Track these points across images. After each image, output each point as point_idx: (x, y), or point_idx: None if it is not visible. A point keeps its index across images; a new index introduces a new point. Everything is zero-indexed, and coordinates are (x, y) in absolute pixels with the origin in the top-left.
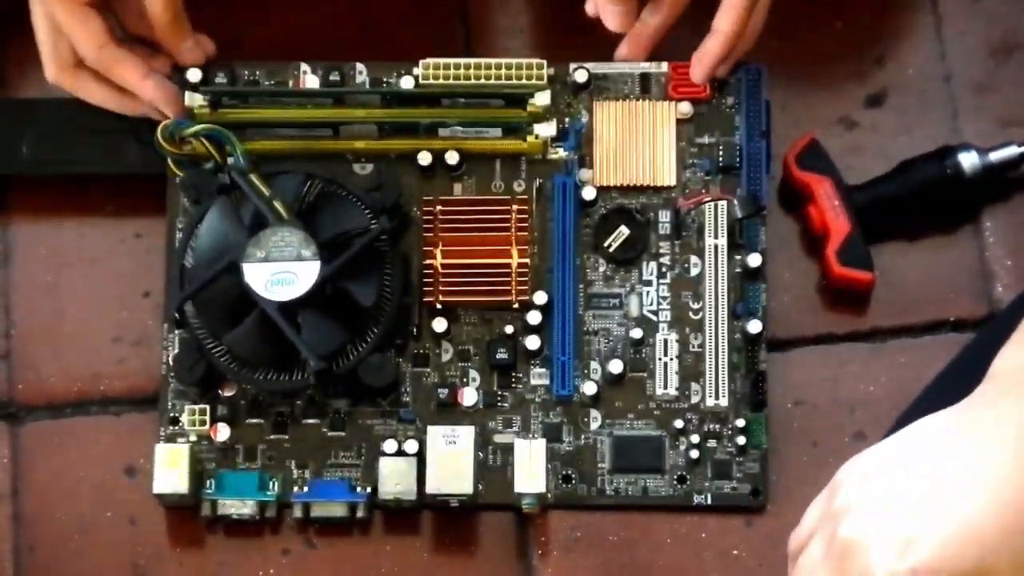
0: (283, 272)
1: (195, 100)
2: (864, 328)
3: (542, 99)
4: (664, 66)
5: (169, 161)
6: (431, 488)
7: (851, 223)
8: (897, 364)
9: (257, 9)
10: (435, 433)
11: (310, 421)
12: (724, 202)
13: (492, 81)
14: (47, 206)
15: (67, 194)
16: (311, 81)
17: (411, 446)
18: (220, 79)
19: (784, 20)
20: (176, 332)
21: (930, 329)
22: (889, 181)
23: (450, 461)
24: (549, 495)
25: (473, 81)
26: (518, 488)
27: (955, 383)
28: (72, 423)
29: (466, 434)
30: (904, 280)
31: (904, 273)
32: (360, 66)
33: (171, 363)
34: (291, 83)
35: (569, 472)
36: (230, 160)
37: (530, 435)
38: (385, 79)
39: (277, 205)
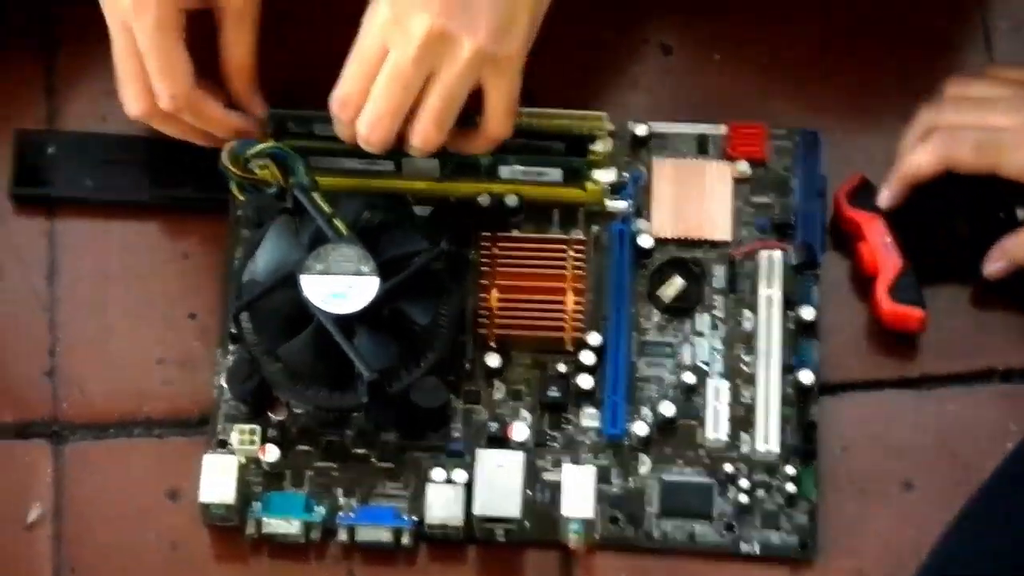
0: (341, 286)
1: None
2: (914, 374)
3: (603, 146)
4: (722, 128)
5: (232, 184)
6: (478, 510)
7: (902, 260)
8: (946, 412)
9: (323, 54)
10: (484, 456)
11: (359, 451)
12: (779, 253)
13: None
14: (94, 223)
15: (115, 212)
16: None
17: (459, 475)
18: (292, 126)
19: (837, 58)
20: (230, 348)
21: (980, 378)
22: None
23: (499, 484)
24: (596, 534)
25: (535, 128)
26: (565, 512)
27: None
28: (115, 444)
29: (515, 459)
30: (955, 326)
31: (955, 319)
32: None
33: (224, 377)
34: None
35: (616, 514)
36: (292, 180)
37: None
38: None
39: (338, 223)
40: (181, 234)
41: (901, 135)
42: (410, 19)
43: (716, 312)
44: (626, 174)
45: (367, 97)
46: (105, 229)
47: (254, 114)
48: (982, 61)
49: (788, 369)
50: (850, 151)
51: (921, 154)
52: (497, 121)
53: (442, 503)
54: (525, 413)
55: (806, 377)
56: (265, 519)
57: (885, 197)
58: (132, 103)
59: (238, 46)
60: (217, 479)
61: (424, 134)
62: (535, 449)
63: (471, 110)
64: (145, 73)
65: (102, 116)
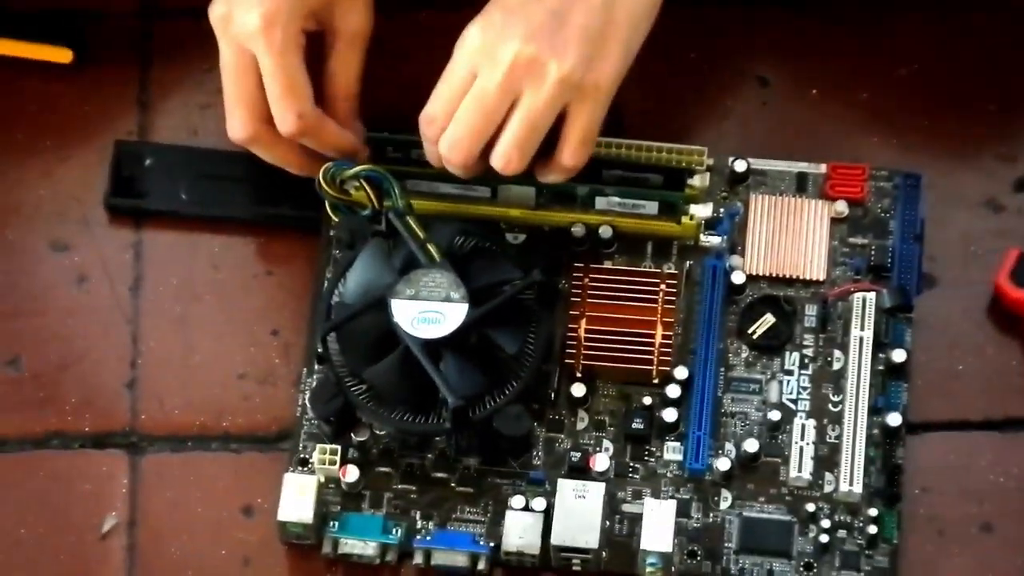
0: (430, 311)
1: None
2: (997, 416)
3: (701, 181)
4: (823, 167)
5: (327, 204)
6: (556, 540)
7: None
8: None
9: (422, 80)
10: (565, 486)
11: (439, 475)
12: (872, 295)
13: (652, 163)
14: (181, 236)
15: (200, 226)
16: None
17: (539, 503)
18: (391, 153)
19: (940, 102)
20: (315, 369)
21: None
22: None
23: (578, 514)
24: (673, 568)
25: (634, 161)
26: (644, 545)
27: None
28: (192, 457)
29: (596, 490)
30: None
31: None
32: None
33: (308, 397)
34: None
35: (695, 548)
36: (387, 203)
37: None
38: None
39: (431, 248)
40: (267, 252)
41: None
42: (500, 46)
43: (805, 351)
44: (722, 209)
45: (451, 118)
46: (191, 243)
47: (355, 152)
48: None
49: (875, 411)
50: (946, 192)
51: None
52: (571, 151)
53: (520, 530)
54: (608, 444)
55: (894, 420)
56: (342, 539)
57: None
58: (240, 126)
59: (347, 71)
60: (296, 497)
61: (506, 157)
62: (616, 480)
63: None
64: (257, 96)
65: (193, 130)
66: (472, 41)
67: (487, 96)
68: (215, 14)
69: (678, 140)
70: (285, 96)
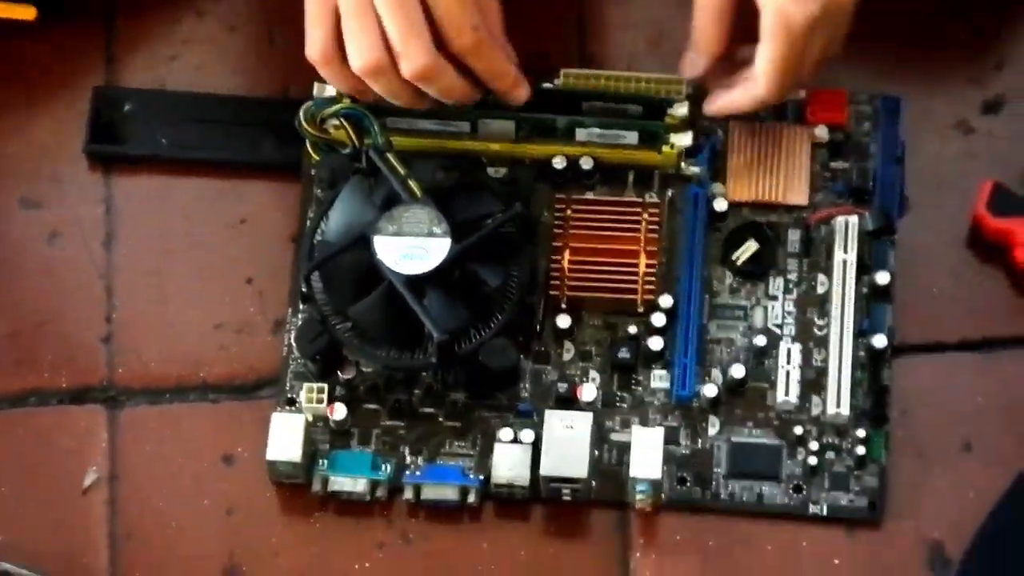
0: (413, 247)
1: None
2: (975, 337)
3: (681, 110)
4: (801, 93)
5: (307, 144)
6: (545, 471)
7: None
8: (1006, 375)
9: None
10: (552, 418)
11: (427, 410)
12: (855, 219)
13: (631, 94)
14: (152, 190)
15: (171, 178)
16: None
17: (527, 435)
18: None
19: (910, 27)
20: (300, 308)
21: None
22: None
23: (566, 445)
24: (663, 495)
25: (612, 92)
26: (633, 473)
27: None
28: (171, 409)
29: (583, 420)
30: (1011, 290)
31: (1012, 282)
32: None
33: (293, 337)
34: None
35: (684, 475)
36: (367, 141)
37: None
38: None
39: (412, 184)
40: (240, 200)
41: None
42: None
43: (790, 276)
44: (703, 138)
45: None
46: (163, 195)
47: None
48: None
49: (860, 333)
50: (916, 116)
51: None
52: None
53: (509, 463)
54: (594, 374)
55: (879, 341)
56: (331, 477)
57: None
58: (420, 55)
59: (492, 13)
60: (285, 437)
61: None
62: (603, 410)
63: None
64: (427, 22)
65: (162, 82)
66: None
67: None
68: None
69: (656, 70)
70: (461, 7)
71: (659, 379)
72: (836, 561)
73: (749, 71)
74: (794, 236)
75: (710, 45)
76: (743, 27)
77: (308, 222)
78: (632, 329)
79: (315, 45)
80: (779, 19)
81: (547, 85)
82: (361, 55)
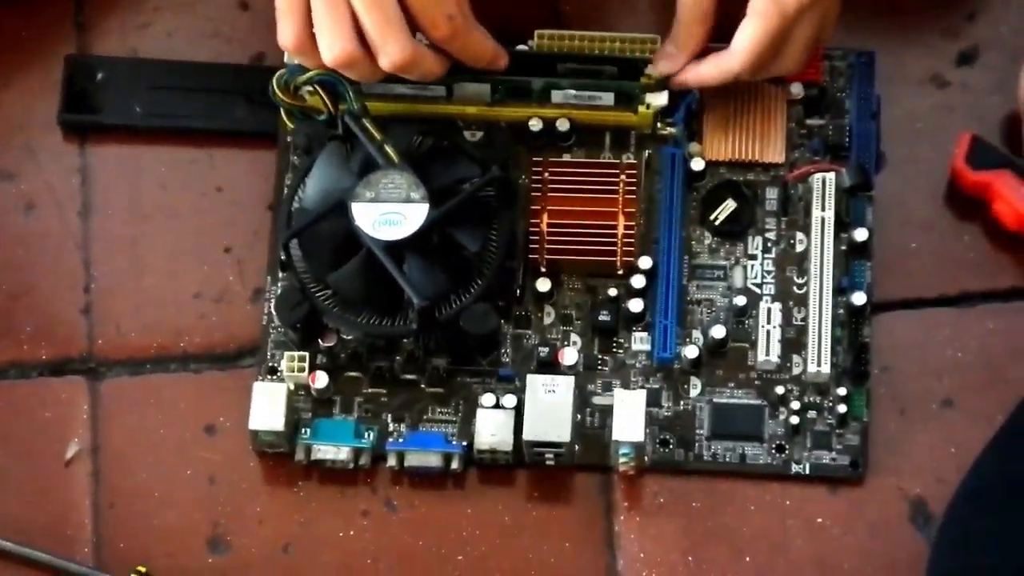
0: (391, 213)
1: None
2: (953, 292)
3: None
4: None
5: (282, 112)
6: (528, 436)
7: None
8: (985, 329)
9: None
10: (534, 382)
11: (409, 376)
12: (832, 176)
13: (606, 54)
14: (127, 158)
15: (147, 147)
16: None
17: (509, 400)
18: None
19: None
20: (279, 277)
21: (1020, 294)
22: None
23: (548, 410)
24: (646, 458)
25: (587, 53)
26: (616, 436)
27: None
28: (152, 380)
29: (565, 384)
30: (992, 243)
31: (989, 236)
32: None
33: (273, 305)
34: None
35: (667, 436)
36: (342, 107)
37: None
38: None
39: (388, 149)
40: (216, 168)
41: (1015, 79)
42: None
43: (768, 235)
44: (679, 97)
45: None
46: (139, 164)
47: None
48: None
49: (839, 291)
50: (890, 71)
51: None
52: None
53: (492, 428)
54: (575, 338)
55: (859, 299)
56: (314, 445)
57: None
58: (398, 49)
59: None
60: (267, 406)
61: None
62: (585, 373)
63: None
64: (402, 15)
65: (133, 50)
66: None
67: None
68: None
69: (630, 29)
70: (434, 1)
71: (640, 341)
72: (820, 519)
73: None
74: (772, 194)
75: (692, 43)
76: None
77: (285, 190)
78: (612, 292)
79: (287, 35)
80: (771, 2)
81: (522, 47)
82: (333, 49)
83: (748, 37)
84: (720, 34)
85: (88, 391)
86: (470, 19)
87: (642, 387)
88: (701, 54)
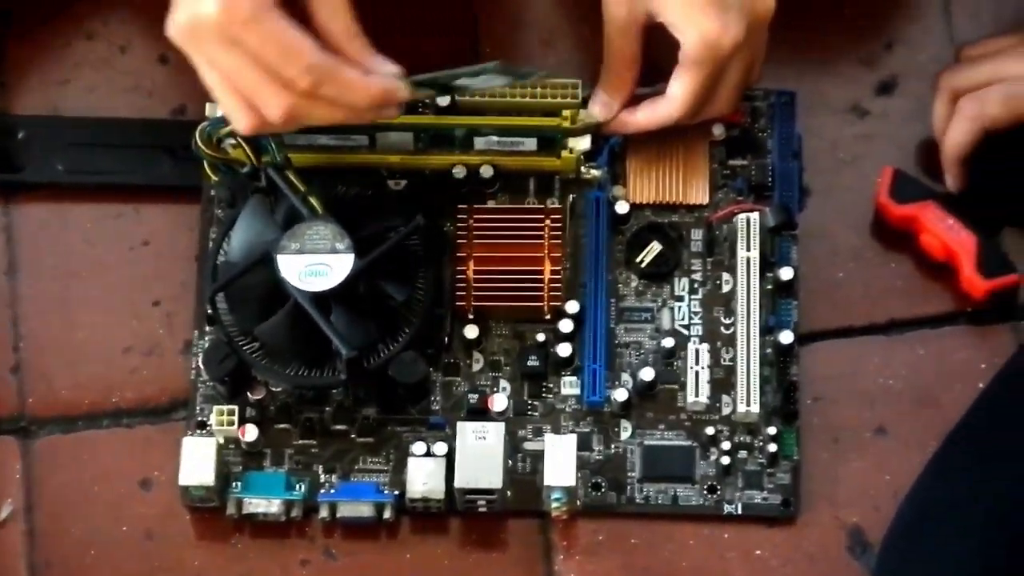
0: (317, 264)
1: None
2: (881, 320)
3: (583, 142)
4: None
5: (205, 164)
6: (460, 483)
7: (974, 233)
8: (915, 356)
9: None
10: (464, 429)
11: (339, 427)
12: (756, 215)
13: (527, 100)
14: (52, 215)
15: (73, 200)
16: None
17: (440, 448)
18: None
19: (791, 8)
20: (206, 330)
21: (947, 320)
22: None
23: (480, 456)
24: (578, 502)
25: (508, 99)
26: (548, 481)
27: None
28: (85, 436)
29: (496, 430)
30: (916, 269)
31: (916, 263)
32: None
33: (201, 360)
34: None
35: (599, 480)
36: (265, 158)
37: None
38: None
39: (312, 200)
40: (142, 222)
41: (931, 109)
42: None
43: (694, 276)
44: (602, 140)
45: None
46: (64, 220)
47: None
48: (937, 4)
49: (767, 330)
50: (810, 101)
51: (956, 130)
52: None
53: (423, 476)
54: (505, 384)
55: (786, 337)
56: (246, 499)
57: (951, 183)
58: (274, 107)
59: (336, 17)
60: (196, 461)
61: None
62: (515, 419)
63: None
64: (266, 75)
65: (53, 107)
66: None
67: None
68: (178, 26)
69: (551, 70)
70: (288, 56)
71: (569, 385)
72: (758, 552)
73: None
74: (697, 235)
75: (623, 88)
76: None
77: (210, 243)
78: (540, 337)
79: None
80: (703, 46)
81: (442, 101)
82: (238, 125)
83: (684, 84)
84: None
85: (20, 450)
86: (337, 65)
87: (572, 431)
88: (633, 99)
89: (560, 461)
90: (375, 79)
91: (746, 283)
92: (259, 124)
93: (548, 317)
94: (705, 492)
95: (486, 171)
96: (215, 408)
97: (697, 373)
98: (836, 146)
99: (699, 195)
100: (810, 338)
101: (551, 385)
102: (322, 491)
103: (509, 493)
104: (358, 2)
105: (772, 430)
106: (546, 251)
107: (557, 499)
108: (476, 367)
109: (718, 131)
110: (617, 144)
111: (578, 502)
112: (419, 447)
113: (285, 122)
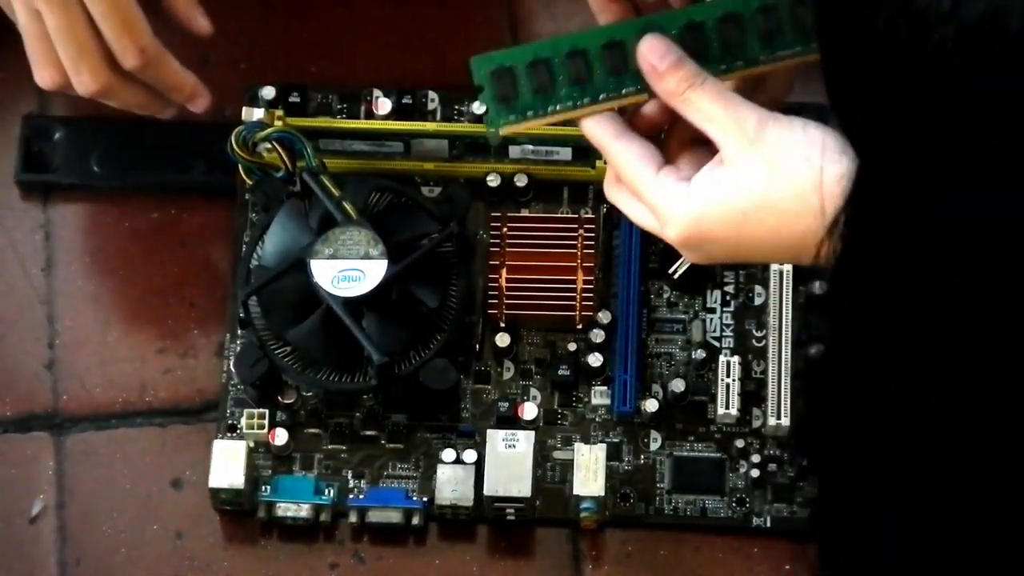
0: (350, 269)
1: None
2: None
3: None
4: None
5: (240, 168)
6: (489, 490)
7: None
8: None
9: (326, 43)
10: (494, 436)
11: (369, 432)
12: None
13: None
14: (90, 214)
15: (110, 201)
16: (384, 105)
17: (469, 456)
18: (293, 98)
19: None
20: (238, 334)
21: None
22: None
23: (509, 464)
24: (607, 511)
25: None
26: (577, 491)
27: None
28: (117, 434)
29: (525, 438)
30: None
31: None
32: (432, 94)
33: (232, 363)
34: (363, 108)
35: (627, 491)
36: (300, 163)
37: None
38: (457, 106)
39: (347, 206)
40: (178, 224)
41: None
42: None
43: (727, 288)
44: None
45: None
46: (101, 219)
47: (202, 32)
48: None
49: (798, 343)
50: None
51: None
52: None
53: (452, 483)
54: (535, 392)
55: (817, 352)
56: (275, 503)
57: None
58: (91, 78)
59: None
60: (227, 464)
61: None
62: (545, 428)
63: None
64: (96, 44)
65: (92, 107)
66: None
67: None
68: None
69: None
70: (125, 31)
71: (600, 395)
72: (787, 566)
73: None
74: None
75: None
76: None
77: (244, 247)
78: (572, 346)
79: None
80: None
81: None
82: (43, 82)
83: None
84: None
85: (53, 447)
86: (165, 52)
87: (602, 441)
88: None
89: (589, 471)
90: (191, 78)
91: (778, 296)
92: (62, 86)
93: (580, 327)
94: (734, 505)
95: (520, 180)
96: (245, 411)
97: (728, 385)
98: None
99: None
100: None
101: (581, 395)
102: (351, 496)
103: (538, 502)
104: None
105: None
106: (579, 261)
107: (586, 509)
108: (507, 375)
109: None
110: None
111: (607, 512)
112: (448, 454)
113: (92, 94)
